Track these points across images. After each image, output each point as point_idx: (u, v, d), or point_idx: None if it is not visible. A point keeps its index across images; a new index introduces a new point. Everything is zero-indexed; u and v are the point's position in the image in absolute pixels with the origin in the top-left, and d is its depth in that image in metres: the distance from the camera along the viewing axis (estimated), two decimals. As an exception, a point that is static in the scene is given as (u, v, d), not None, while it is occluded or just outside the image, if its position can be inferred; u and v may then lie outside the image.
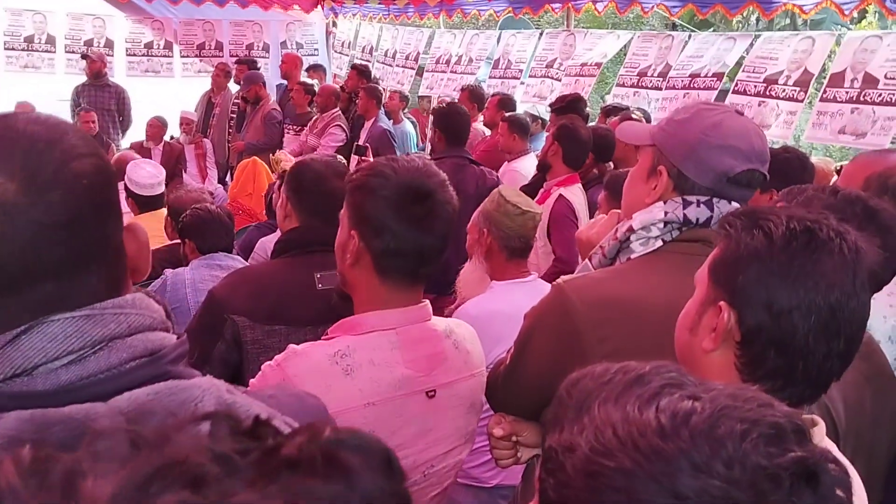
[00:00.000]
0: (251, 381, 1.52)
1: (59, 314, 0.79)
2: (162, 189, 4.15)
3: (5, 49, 8.90)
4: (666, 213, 1.53)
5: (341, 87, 7.75)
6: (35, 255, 0.78)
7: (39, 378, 0.77)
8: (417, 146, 7.73)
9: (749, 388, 0.73)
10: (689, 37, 6.51)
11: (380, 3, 9.28)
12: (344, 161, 3.45)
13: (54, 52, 9.00)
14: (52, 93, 9.28)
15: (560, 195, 3.94)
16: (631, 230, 1.58)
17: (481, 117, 6.36)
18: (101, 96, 8.08)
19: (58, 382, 0.77)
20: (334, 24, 10.51)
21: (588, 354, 1.41)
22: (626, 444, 0.66)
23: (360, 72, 7.92)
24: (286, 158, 5.27)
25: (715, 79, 5.88)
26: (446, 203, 1.53)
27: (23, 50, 8.94)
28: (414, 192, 1.49)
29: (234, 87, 8.23)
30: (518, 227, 2.77)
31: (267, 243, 3.36)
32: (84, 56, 8.34)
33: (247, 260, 3.37)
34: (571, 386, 0.75)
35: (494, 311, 2.60)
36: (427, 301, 1.62)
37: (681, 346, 1.21)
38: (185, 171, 7.50)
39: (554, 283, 1.58)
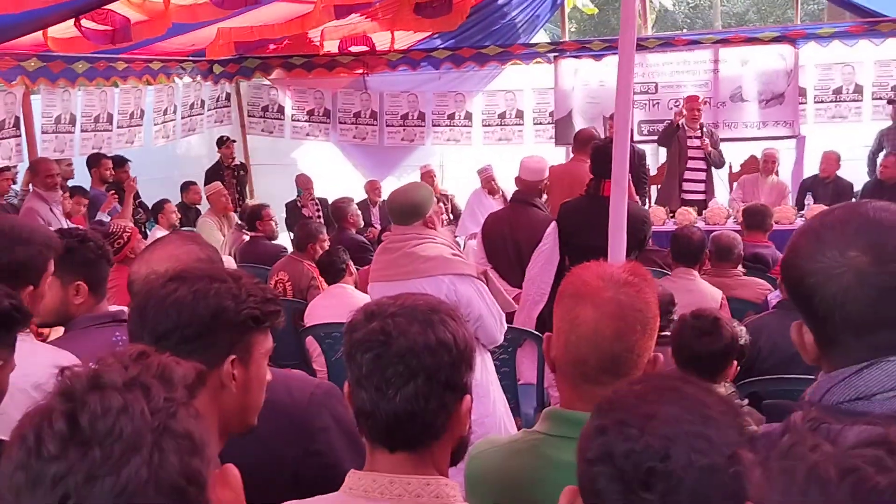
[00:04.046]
0: None
1: (893, 356, 1.00)
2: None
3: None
4: None
5: None
6: (875, 311, 1.01)
7: (876, 403, 0.98)
8: None
9: None
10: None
11: None
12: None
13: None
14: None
15: None
16: None
17: None
18: None
19: (891, 408, 0.96)
20: None
21: None
22: None
23: None
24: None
25: None
26: None
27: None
28: None
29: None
30: None
31: None
32: (890, 101, 8.17)
33: None
34: None
35: None
36: None
37: None
38: None
39: None
